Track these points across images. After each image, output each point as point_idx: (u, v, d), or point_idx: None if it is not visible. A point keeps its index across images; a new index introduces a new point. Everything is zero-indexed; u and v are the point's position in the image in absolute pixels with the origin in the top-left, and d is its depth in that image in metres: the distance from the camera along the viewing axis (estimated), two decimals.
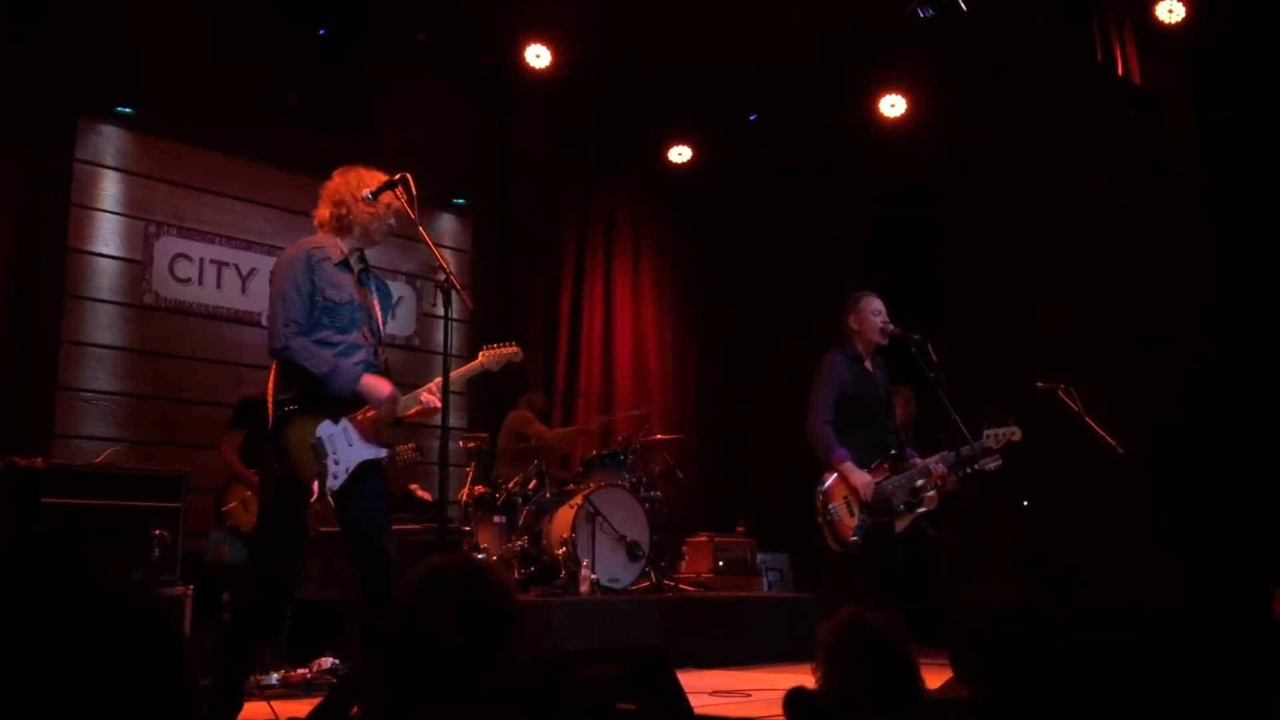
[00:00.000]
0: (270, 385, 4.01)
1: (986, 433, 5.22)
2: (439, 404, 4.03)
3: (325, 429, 3.94)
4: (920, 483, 5.24)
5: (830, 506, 5.17)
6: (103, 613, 1.08)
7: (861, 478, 5.14)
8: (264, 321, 5.95)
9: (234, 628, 3.93)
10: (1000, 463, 5.31)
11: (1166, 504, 6.93)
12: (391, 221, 4.17)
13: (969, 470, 5.35)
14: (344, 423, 3.98)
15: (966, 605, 2.46)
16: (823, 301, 7.93)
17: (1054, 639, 2.36)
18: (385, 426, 4.09)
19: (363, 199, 4.06)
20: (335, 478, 3.92)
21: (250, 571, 4.15)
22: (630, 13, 7.90)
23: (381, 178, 4.12)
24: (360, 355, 4.03)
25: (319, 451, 3.91)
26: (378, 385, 3.98)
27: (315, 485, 3.88)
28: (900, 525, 5.27)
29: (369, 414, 4.01)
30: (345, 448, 3.96)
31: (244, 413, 6.40)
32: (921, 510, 5.29)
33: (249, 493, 6.25)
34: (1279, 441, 6.57)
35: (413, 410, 4.12)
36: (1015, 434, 5.24)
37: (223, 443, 6.50)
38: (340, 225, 4.09)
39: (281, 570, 3.98)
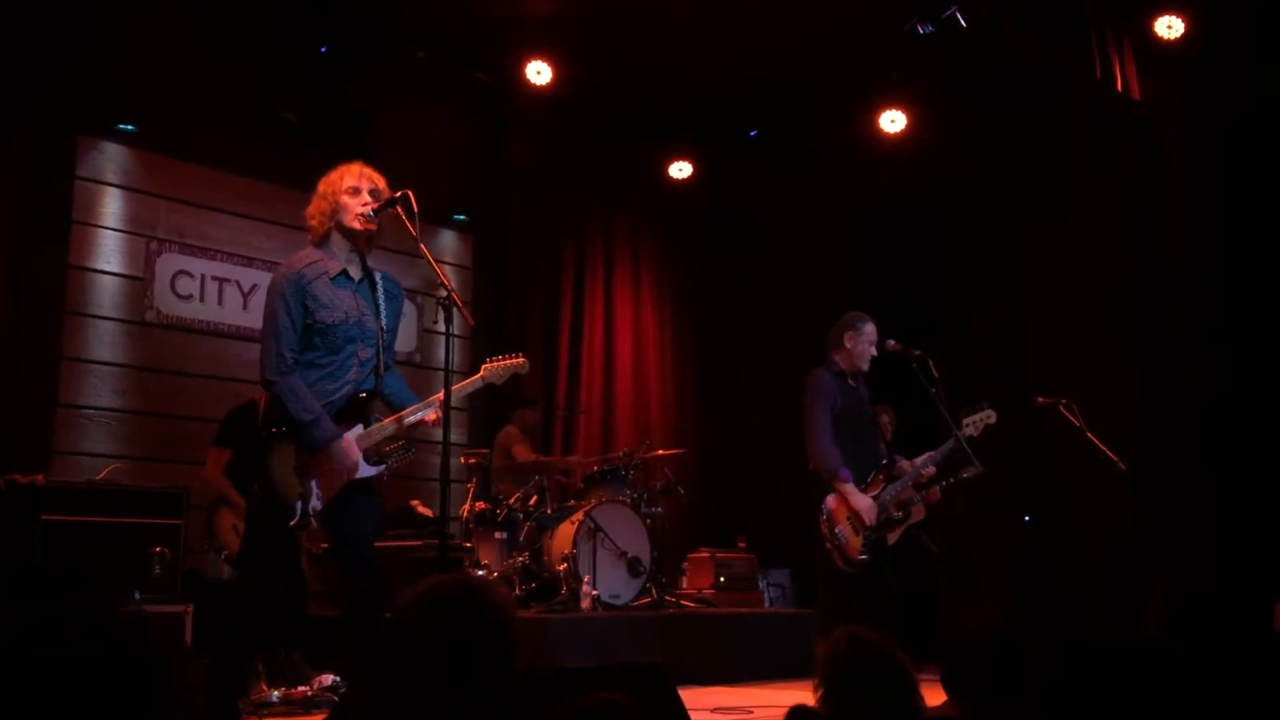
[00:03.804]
0: (263, 404, 3.98)
1: (965, 422, 5.25)
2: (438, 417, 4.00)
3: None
4: (910, 491, 5.28)
5: (837, 530, 5.18)
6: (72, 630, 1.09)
7: (864, 501, 5.17)
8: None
9: (224, 646, 3.90)
10: (978, 470, 5.29)
11: (1163, 519, 6.92)
12: (363, 210, 3.96)
13: (949, 481, 5.37)
14: None
15: (954, 626, 2.47)
16: (820, 317, 7.93)
17: (1039, 658, 2.35)
18: (382, 442, 4.05)
19: (359, 215, 3.99)
20: (319, 499, 3.89)
21: (237, 589, 4.12)
22: (629, 30, 7.92)
23: (359, 169, 4.04)
24: (350, 375, 3.96)
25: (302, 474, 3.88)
26: (347, 453, 3.88)
27: (297, 506, 3.85)
28: (891, 538, 5.29)
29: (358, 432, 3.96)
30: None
31: (231, 429, 6.18)
32: (910, 522, 5.33)
33: (237, 519, 6.02)
34: (1274, 457, 6.57)
35: (419, 417, 4.07)
36: (990, 416, 5.30)
37: (208, 461, 6.26)
38: (322, 222, 3.98)
39: (267, 588, 3.95)
